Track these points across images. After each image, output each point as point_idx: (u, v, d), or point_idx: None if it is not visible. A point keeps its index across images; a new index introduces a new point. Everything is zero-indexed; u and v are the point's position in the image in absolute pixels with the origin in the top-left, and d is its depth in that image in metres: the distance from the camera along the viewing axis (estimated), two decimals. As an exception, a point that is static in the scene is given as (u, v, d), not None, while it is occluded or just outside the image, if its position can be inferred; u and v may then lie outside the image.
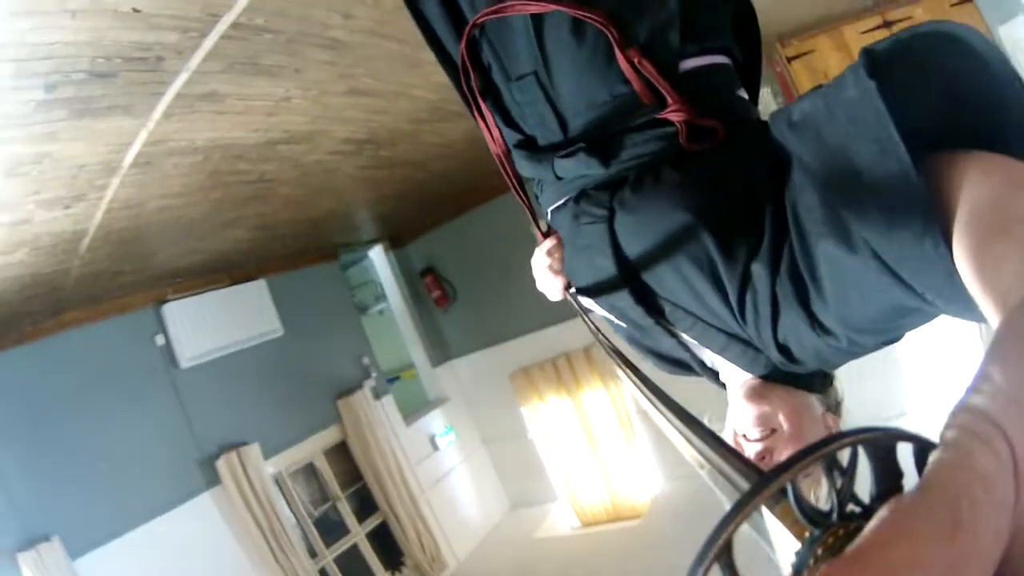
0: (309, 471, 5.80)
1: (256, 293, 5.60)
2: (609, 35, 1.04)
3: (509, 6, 1.11)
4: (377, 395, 6.43)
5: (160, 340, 4.93)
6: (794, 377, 1.03)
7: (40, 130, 2.33)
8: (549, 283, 1.26)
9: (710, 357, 1.12)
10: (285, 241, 5.51)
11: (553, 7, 1.07)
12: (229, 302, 5.34)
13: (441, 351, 7.52)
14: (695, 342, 1.09)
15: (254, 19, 2.37)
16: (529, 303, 6.31)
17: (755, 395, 1.04)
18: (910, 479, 0.36)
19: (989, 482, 0.31)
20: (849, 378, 1.12)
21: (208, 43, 2.37)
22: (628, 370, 0.91)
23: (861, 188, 0.66)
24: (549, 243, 1.26)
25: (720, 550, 0.33)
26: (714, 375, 1.16)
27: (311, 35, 2.67)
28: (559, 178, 1.16)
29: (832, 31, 4.87)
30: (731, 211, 0.93)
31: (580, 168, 1.11)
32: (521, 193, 1.33)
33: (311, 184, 4.42)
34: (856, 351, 0.86)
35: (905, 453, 0.37)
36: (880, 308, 0.74)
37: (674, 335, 1.10)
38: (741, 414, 1.06)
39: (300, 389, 5.84)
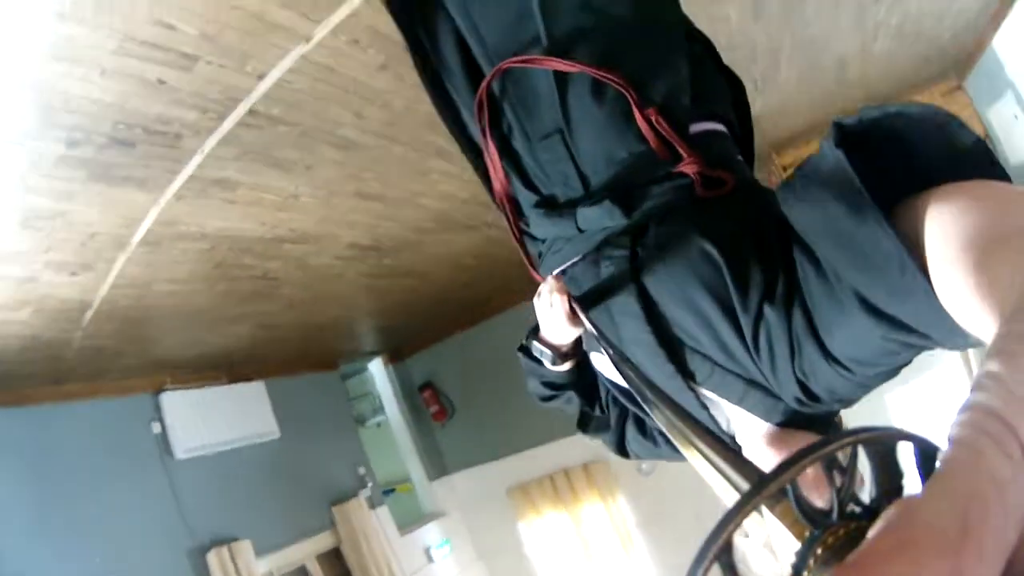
0: (301, 574, 5.64)
1: (254, 394, 5.60)
2: (628, 96, 1.12)
3: (536, 60, 1.19)
4: (372, 504, 6.32)
5: (156, 428, 4.90)
6: (813, 425, 1.03)
7: (58, 186, 2.43)
8: (555, 313, 1.20)
9: (726, 415, 1.11)
10: (286, 344, 5.56)
11: (577, 68, 1.15)
12: (227, 400, 5.33)
13: (438, 465, 7.43)
14: (713, 397, 1.08)
15: (271, 109, 2.52)
16: (528, 419, 6.46)
17: (776, 441, 1.04)
18: (911, 479, 0.37)
19: (1001, 487, 0.30)
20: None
21: (225, 126, 2.51)
22: (630, 369, 0.96)
23: (847, 242, 0.73)
24: (553, 280, 1.21)
25: (720, 550, 0.33)
26: (731, 440, 1.13)
27: (324, 131, 2.81)
28: (580, 231, 1.20)
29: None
30: (745, 249, 0.97)
31: (603, 218, 1.15)
32: (519, 236, 1.37)
33: (315, 288, 4.50)
34: (867, 383, 0.90)
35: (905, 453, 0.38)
36: (873, 346, 0.80)
37: (692, 390, 1.08)
38: (761, 463, 1.02)
39: (295, 492, 5.76)
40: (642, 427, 1.30)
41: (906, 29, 3.88)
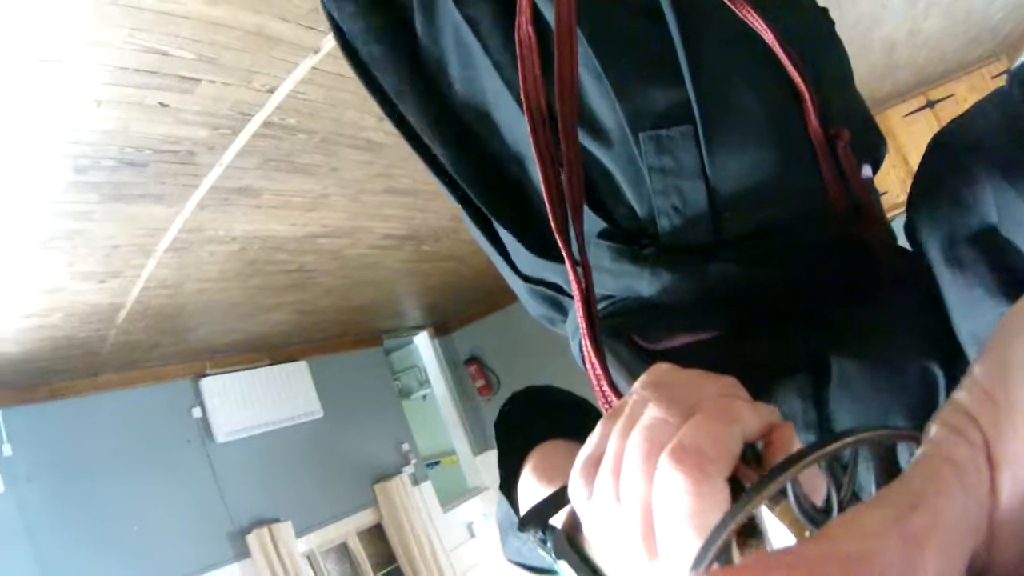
0: (342, 551, 5.71)
1: (297, 374, 5.64)
2: (809, 101, 0.66)
3: None
4: (416, 481, 6.39)
5: (197, 412, 4.98)
6: None
7: (71, 208, 2.43)
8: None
9: None
10: (327, 326, 5.60)
11: (761, 23, 0.63)
12: (269, 381, 5.39)
13: (483, 440, 7.44)
14: None
15: (286, 119, 2.47)
16: (570, 398, 6.34)
17: None
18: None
19: (960, 468, 0.30)
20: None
21: (240, 140, 2.48)
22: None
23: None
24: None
25: (720, 551, 0.32)
26: None
27: (345, 136, 2.76)
28: (704, 296, 0.72)
29: (876, 116, 4.90)
30: (958, 368, 0.63)
31: (756, 288, 0.72)
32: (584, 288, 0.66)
33: (352, 276, 4.50)
34: None
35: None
36: None
37: None
38: None
39: (337, 472, 5.83)
40: None
41: (956, 7, 3.69)
